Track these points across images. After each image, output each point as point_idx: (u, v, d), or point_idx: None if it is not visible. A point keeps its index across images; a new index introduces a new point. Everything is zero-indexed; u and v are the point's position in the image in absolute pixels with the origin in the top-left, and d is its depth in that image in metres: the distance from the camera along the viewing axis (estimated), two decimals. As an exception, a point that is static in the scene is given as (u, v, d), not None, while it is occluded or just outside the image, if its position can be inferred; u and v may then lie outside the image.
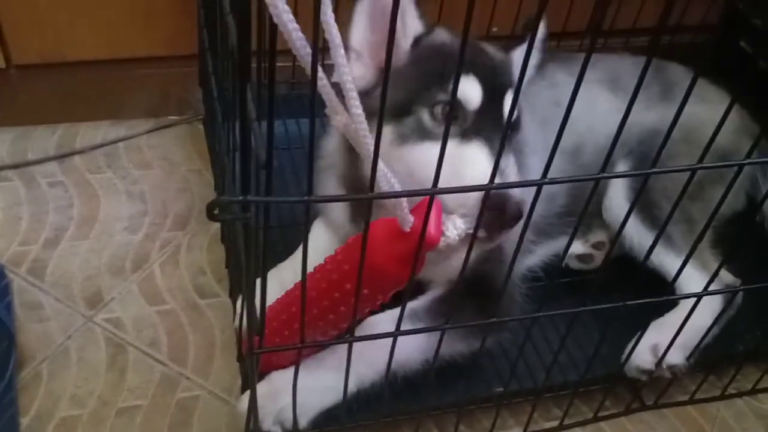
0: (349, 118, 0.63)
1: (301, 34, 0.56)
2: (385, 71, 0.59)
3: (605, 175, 0.78)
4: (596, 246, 1.32)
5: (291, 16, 0.54)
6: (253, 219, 0.67)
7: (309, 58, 0.56)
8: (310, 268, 0.95)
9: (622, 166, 1.26)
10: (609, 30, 1.61)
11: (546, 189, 0.78)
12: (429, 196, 0.73)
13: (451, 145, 0.94)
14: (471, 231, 0.81)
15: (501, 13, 1.53)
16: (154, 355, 1.21)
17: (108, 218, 1.42)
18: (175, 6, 1.48)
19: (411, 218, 0.77)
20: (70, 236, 1.37)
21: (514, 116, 0.76)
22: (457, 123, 0.95)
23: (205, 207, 0.65)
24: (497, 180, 0.75)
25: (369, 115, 0.98)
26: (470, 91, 0.95)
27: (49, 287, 1.28)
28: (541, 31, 1.05)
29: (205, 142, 1.57)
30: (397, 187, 0.72)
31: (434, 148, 0.94)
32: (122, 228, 1.40)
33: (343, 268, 0.86)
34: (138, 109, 1.61)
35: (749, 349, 1.23)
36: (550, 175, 0.80)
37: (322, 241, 1.18)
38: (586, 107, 1.29)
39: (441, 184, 0.71)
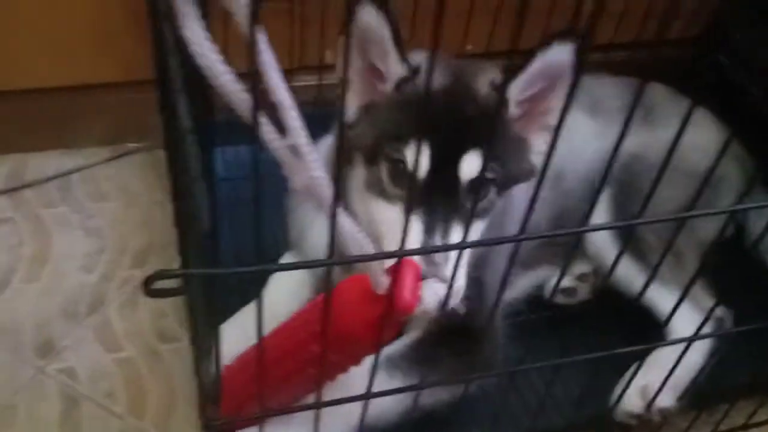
0: (310, 179, 0.56)
1: (245, 96, 0.48)
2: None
3: (585, 228, 0.73)
4: (580, 278, 1.25)
5: (232, 76, 0.46)
6: (196, 291, 0.59)
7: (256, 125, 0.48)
8: (281, 317, 0.88)
9: (604, 195, 1.20)
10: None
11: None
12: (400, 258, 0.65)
13: (397, 210, 0.90)
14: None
15: (475, 29, 1.45)
16: (111, 408, 1.12)
17: (61, 257, 1.32)
18: (132, 29, 1.39)
19: (385, 280, 0.69)
20: (20, 278, 1.28)
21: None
22: (405, 187, 0.88)
23: (166, 242, 0.58)
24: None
25: (349, 147, 0.93)
26: (419, 157, 0.87)
27: (-5, 337, 1.19)
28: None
29: (166, 171, 1.48)
30: (368, 249, 0.65)
31: (386, 208, 0.90)
32: (77, 267, 1.31)
33: (310, 329, 0.78)
34: (94, 137, 1.52)
35: (742, 383, 1.17)
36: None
37: (294, 284, 1.10)
38: (566, 132, 1.22)
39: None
